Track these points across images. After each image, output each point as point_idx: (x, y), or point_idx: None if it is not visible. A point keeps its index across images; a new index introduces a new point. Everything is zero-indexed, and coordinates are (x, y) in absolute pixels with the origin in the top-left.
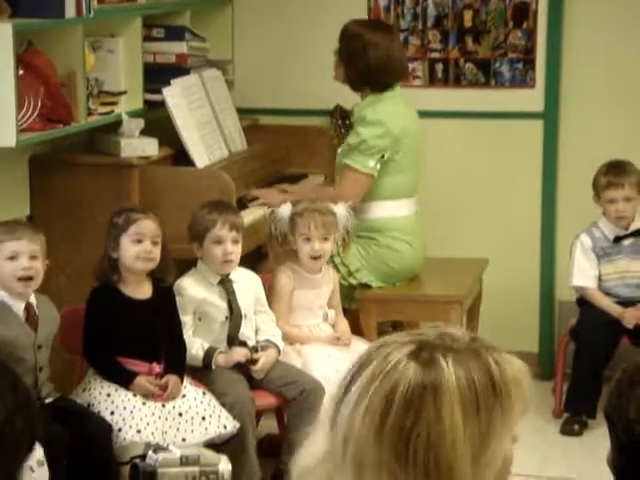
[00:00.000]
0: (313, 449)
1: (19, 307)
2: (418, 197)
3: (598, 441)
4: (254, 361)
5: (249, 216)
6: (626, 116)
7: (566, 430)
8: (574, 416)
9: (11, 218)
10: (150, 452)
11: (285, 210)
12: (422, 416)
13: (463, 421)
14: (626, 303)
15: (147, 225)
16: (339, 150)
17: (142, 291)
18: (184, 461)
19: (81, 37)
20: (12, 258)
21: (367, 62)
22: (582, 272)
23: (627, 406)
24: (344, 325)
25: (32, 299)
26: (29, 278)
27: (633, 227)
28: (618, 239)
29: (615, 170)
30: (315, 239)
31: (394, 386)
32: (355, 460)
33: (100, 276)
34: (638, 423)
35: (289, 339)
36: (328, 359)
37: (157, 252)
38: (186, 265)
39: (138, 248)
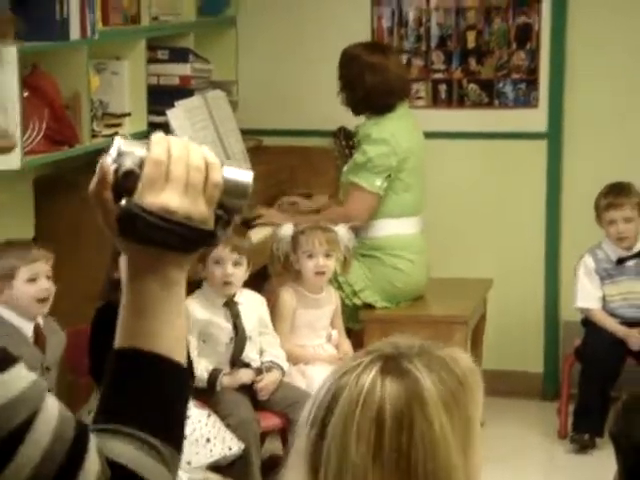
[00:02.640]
0: None
1: (28, 328)
2: (423, 216)
3: (604, 461)
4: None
5: (255, 236)
6: (630, 136)
7: (575, 450)
8: (581, 434)
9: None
10: None
11: (287, 230)
12: (415, 429)
13: (449, 422)
14: (631, 323)
15: None
16: (345, 168)
17: None
18: None
19: (85, 59)
20: (31, 280)
21: (365, 86)
22: (586, 294)
23: (634, 428)
24: (347, 346)
25: (40, 320)
26: (47, 299)
27: (636, 248)
28: (621, 260)
29: (615, 191)
30: (319, 255)
31: (380, 406)
32: None
33: (104, 296)
34: None
35: (292, 359)
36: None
37: None
38: (191, 286)
39: None
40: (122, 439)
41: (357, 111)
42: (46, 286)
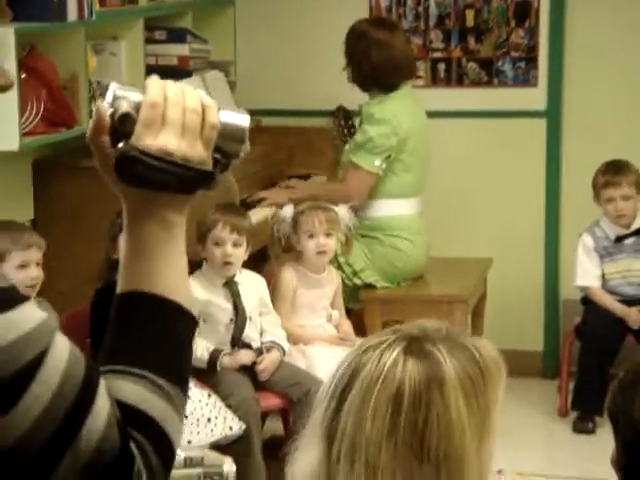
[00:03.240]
0: (308, 459)
1: None
2: (422, 197)
3: (605, 440)
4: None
5: (254, 217)
6: (629, 114)
7: (579, 428)
8: (584, 414)
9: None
10: None
11: (287, 211)
12: (431, 410)
13: (466, 409)
14: (630, 301)
15: None
16: (346, 147)
17: None
18: (188, 463)
19: (83, 40)
20: (22, 267)
21: (371, 62)
22: (585, 272)
23: (632, 406)
24: (347, 326)
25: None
26: (34, 286)
27: (634, 226)
28: (620, 239)
29: (613, 169)
30: (319, 234)
31: (400, 385)
32: (368, 464)
33: (103, 277)
34: None
35: (292, 338)
36: (332, 360)
37: None
38: (192, 266)
39: None
40: (130, 380)
41: (364, 87)
42: (35, 274)
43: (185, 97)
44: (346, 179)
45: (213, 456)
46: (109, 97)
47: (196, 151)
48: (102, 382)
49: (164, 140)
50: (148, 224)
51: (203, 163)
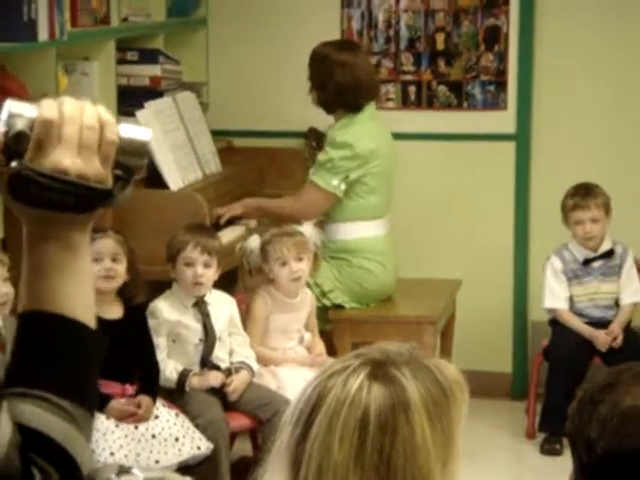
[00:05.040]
0: None
1: None
2: (392, 218)
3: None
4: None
5: (225, 237)
6: (597, 138)
7: (546, 450)
8: (552, 436)
9: None
10: (113, 475)
11: (254, 242)
12: (398, 434)
13: (431, 432)
14: (597, 324)
15: (105, 244)
16: (311, 170)
17: (113, 311)
18: None
19: (54, 60)
20: None
21: (335, 83)
22: (553, 294)
23: (588, 426)
24: (320, 347)
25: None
26: (5, 303)
27: (602, 249)
28: (587, 261)
29: (582, 192)
30: (291, 260)
31: (366, 409)
32: None
33: None
34: (599, 443)
35: (263, 361)
36: (302, 381)
37: (120, 269)
38: (161, 287)
39: (97, 267)
40: (32, 402)
41: (329, 109)
42: (4, 290)
43: (82, 114)
44: (301, 195)
45: (173, 477)
46: (4, 115)
47: (93, 168)
48: (3, 405)
49: (58, 158)
50: (48, 244)
51: (101, 180)
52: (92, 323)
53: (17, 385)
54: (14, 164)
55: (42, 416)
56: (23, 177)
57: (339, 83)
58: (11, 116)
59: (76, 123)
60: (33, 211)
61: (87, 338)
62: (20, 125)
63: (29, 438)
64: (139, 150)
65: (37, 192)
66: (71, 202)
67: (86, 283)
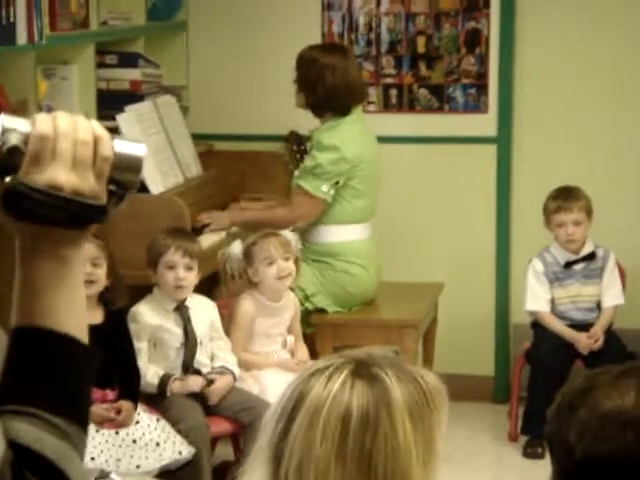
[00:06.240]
0: None
1: None
2: (374, 221)
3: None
4: (209, 385)
5: (206, 241)
6: (578, 141)
7: (529, 453)
8: (534, 439)
9: None
10: None
11: (236, 247)
12: (379, 430)
13: (412, 431)
14: (579, 326)
15: (85, 248)
16: (295, 173)
17: (93, 316)
18: None
19: (33, 64)
20: None
21: (325, 86)
22: (535, 296)
23: (567, 430)
24: (303, 351)
25: None
26: None
27: (584, 252)
28: (569, 264)
29: (564, 195)
30: (278, 259)
31: (348, 405)
32: None
33: None
34: (578, 447)
35: (246, 366)
36: (285, 386)
37: (100, 274)
38: (142, 291)
39: None
40: (24, 420)
41: (317, 113)
42: None
43: (77, 129)
44: (292, 204)
45: None
46: None
47: (87, 184)
48: None
49: (53, 174)
50: (41, 259)
51: (96, 196)
52: (85, 338)
53: (9, 402)
54: (8, 179)
55: (35, 433)
56: (17, 192)
57: (329, 86)
58: (5, 131)
59: (70, 138)
60: (26, 226)
61: (79, 354)
62: (14, 140)
63: (22, 455)
64: (134, 166)
65: (31, 208)
66: (65, 218)
67: (78, 298)
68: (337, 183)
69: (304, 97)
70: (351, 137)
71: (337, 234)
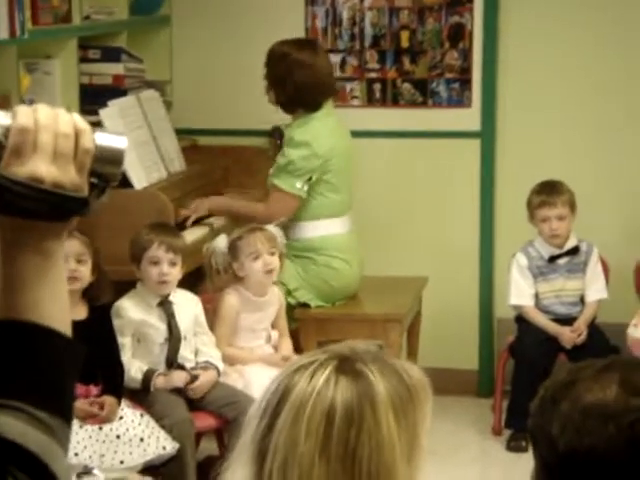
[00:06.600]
0: (238, 478)
1: None
2: (357, 216)
3: None
4: (193, 380)
5: (190, 236)
6: (562, 135)
7: (512, 446)
8: (517, 432)
9: None
10: (74, 478)
11: (221, 242)
12: (363, 427)
13: (396, 426)
14: (563, 320)
15: (70, 245)
16: (270, 171)
17: (77, 312)
18: None
19: (15, 59)
20: None
21: (294, 82)
22: (519, 291)
23: (550, 424)
24: (287, 346)
25: None
26: None
27: (567, 246)
28: (553, 258)
29: (548, 189)
30: (264, 253)
31: (332, 401)
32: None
33: None
34: (561, 440)
35: (230, 360)
36: (269, 380)
37: (84, 270)
38: (126, 287)
39: None
40: (8, 413)
41: (288, 109)
42: None
43: (57, 121)
44: (269, 201)
45: (135, 478)
46: None
47: (69, 177)
48: None
49: (34, 166)
50: (23, 252)
51: (77, 188)
52: (68, 331)
53: None
54: None
55: (18, 427)
56: None
57: (298, 82)
58: None
59: (51, 131)
60: (8, 219)
61: (63, 347)
62: None
63: (5, 449)
64: (115, 158)
65: (12, 200)
66: (46, 210)
67: (61, 291)
68: (310, 179)
69: (274, 94)
70: (322, 132)
71: (317, 229)
